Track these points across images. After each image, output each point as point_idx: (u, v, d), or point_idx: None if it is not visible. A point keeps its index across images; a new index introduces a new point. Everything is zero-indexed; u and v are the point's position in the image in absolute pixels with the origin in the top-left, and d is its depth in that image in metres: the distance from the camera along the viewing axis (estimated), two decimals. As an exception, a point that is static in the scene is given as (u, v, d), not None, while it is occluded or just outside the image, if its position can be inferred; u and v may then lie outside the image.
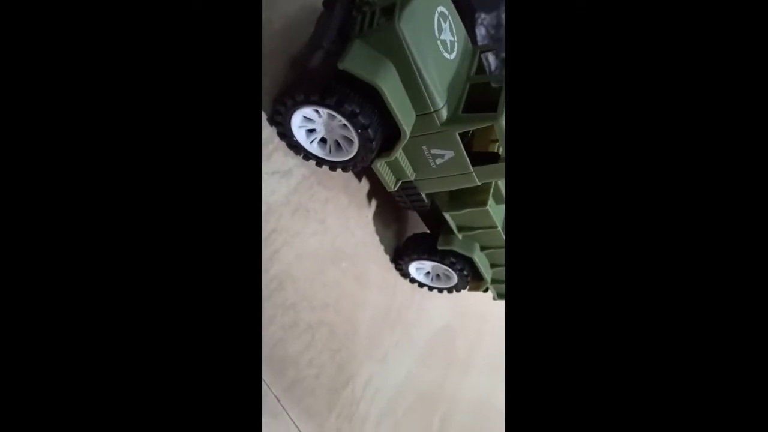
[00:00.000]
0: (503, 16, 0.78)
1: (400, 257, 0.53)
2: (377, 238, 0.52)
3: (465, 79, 0.39)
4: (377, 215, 0.52)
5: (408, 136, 0.37)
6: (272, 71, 0.39)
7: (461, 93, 0.38)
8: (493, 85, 0.44)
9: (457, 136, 0.38)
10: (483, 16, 0.75)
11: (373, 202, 0.51)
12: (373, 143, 0.37)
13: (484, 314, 0.74)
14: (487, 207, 0.44)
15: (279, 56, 0.40)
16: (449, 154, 0.40)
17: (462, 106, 0.38)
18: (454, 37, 0.39)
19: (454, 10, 0.39)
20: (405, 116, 0.36)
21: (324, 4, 0.35)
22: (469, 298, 0.69)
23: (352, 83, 0.34)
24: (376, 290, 0.52)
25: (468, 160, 0.40)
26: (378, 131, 0.36)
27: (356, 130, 0.36)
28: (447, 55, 0.37)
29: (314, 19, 0.41)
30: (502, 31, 0.78)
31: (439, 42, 0.36)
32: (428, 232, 0.53)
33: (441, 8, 0.37)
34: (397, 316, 0.55)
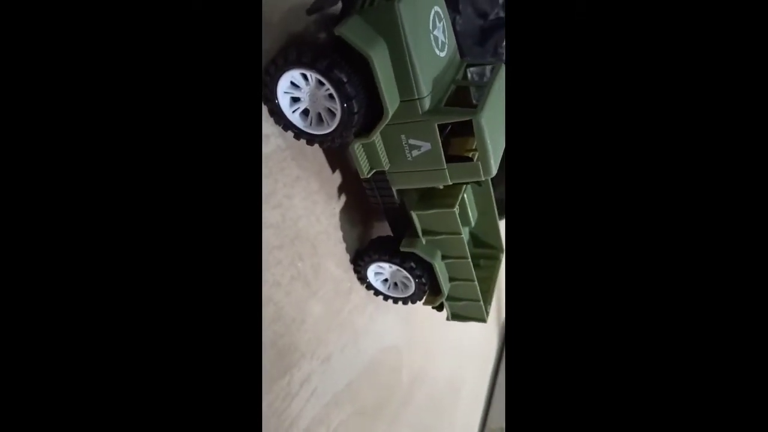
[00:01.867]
0: (488, 68, 0.84)
1: (360, 258, 0.52)
2: (341, 233, 0.51)
3: (450, 80, 0.42)
4: (344, 211, 0.51)
5: (390, 115, 0.38)
6: (269, 41, 0.40)
7: (445, 91, 0.40)
8: (474, 101, 0.46)
9: (436, 128, 0.40)
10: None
11: (343, 197, 0.51)
12: (355, 117, 0.37)
13: (431, 343, 0.73)
14: (455, 210, 0.45)
15: (278, 30, 0.41)
16: (426, 146, 0.41)
17: (444, 101, 0.40)
18: (445, 38, 0.41)
19: (448, 17, 0.42)
20: (390, 94, 0.37)
21: None
22: (418, 323, 0.67)
23: (344, 54, 0.35)
24: (331, 286, 0.50)
25: (443, 156, 0.41)
26: (362, 106, 0.37)
27: (341, 101, 0.37)
28: (437, 52, 0.40)
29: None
30: (485, 80, 0.84)
31: (432, 36, 0.39)
32: (392, 236, 0.53)
33: (437, 8, 0.40)
34: (348, 320, 0.53)
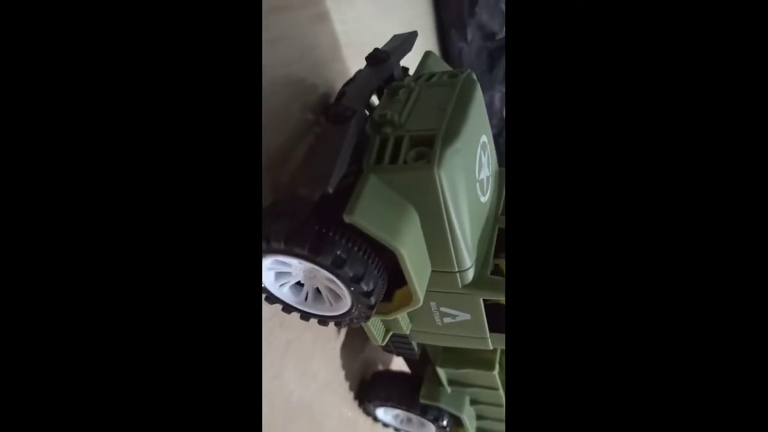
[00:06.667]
0: (496, 95, 0.72)
1: (367, 397, 0.42)
2: (342, 373, 0.41)
3: (494, 220, 0.30)
4: (345, 345, 0.41)
5: (421, 302, 0.27)
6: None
7: (489, 242, 0.29)
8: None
9: (481, 301, 0.29)
10: (477, 94, 0.68)
11: (343, 331, 0.40)
12: (373, 310, 0.26)
13: None
14: (495, 372, 0.35)
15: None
16: (464, 316, 0.30)
17: (491, 260, 0.29)
18: (489, 169, 0.29)
19: (492, 138, 0.30)
20: (421, 281, 0.26)
21: (330, 117, 0.25)
22: None
23: (355, 234, 0.24)
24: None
25: (486, 326, 0.31)
26: (382, 292, 0.26)
27: (354, 296, 0.25)
28: (482, 198, 0.28)
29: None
30: (492, 112, 0.72)
31: (477, 184, 0.27)
32: (404, 372, 0.43)
33: (484, 138, 0.28)
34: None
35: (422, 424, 0.44)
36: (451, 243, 0.26)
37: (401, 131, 0.25)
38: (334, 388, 0.40)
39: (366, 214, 0.22)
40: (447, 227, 0.25)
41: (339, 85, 0.37)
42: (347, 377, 0.42)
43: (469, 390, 0.39)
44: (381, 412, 0.43)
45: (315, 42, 0.35)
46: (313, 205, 0.24)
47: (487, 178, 0.29)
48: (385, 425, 0.46)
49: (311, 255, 0.23)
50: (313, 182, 0.22)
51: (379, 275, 0.25)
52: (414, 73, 0.31)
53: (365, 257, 0.24)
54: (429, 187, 0.23)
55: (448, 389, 0.39)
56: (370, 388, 0.42)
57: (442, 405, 0.39)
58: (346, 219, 0.22)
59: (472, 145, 0.26)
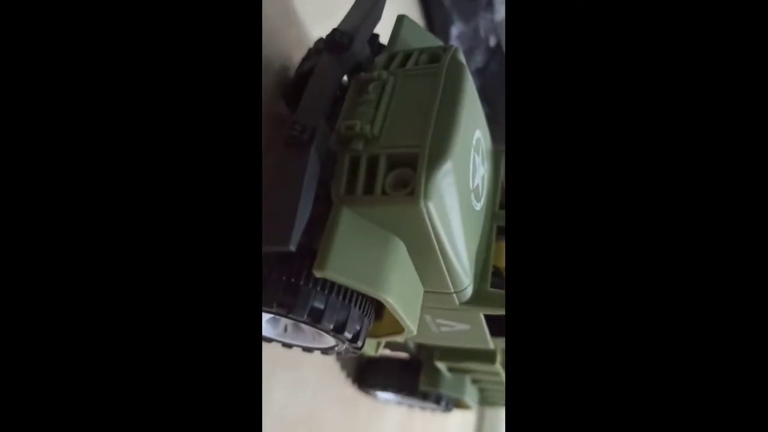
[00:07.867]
0: (481, 22, 0.64)
1: (366, 383, 0.41)
2: (337, 366, 0.39)
3: (491, 218, 0.26)
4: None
5: (414, 333, 0.24)
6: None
7: (488, 243, 0.26)
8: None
9: (482, 316, 0.26)
10: (460, 26, 0.60)
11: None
12: (360, 349, 0.23)
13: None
14: (497, 366, 0.33)
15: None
16: (462, 327, 0.28)
17: (490, 268, 0.25)
18: (484, 165, 0.25)
19: (487, 129, 0.25)
20: (413, 314, 0.22)
21: (289, 140, 0.19)
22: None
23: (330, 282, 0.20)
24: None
25: (487, 333, 0.28)
26: (368, 329, 0.23)
27: (338, 339, 0.22)
28: (477, 206, 0.24)
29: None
30: (477, 42, 0.64)
31: (472, 195, 0.23)
32: (402, 359, 0.41)
33: (478, 133, 0.23)
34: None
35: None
36: (445, 269, 0.22)
37: (375, 148, 0.20)
38: (328, 386, 0.39)
39: (340, 265, 0.18)
40: (440, 257, 0.21)
41: (297, 56, 0.31)
42: (343, 368, 0.40)
43: (470, 374, 0.37)
44: (381, 393, 0.43)
45: (263, 7, 0.28)
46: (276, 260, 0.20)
47: (483, 178, 0.24)
48: (387, 400, 0.45)
49: (282, 312, 0.20)
50: (272, 238, 0.18)
51: (364, 313, 0.22)
52: (385, 49, 0.25)
53: (345, 300, 0.20)
54: (415, 222, 0.19)
55: (448, 374, 0.37)
56: (369, 375, 0.41)
57: (443, 391, 0.37)
58: (317, 274, 0.18)
59: (464, 152, 0.21)
